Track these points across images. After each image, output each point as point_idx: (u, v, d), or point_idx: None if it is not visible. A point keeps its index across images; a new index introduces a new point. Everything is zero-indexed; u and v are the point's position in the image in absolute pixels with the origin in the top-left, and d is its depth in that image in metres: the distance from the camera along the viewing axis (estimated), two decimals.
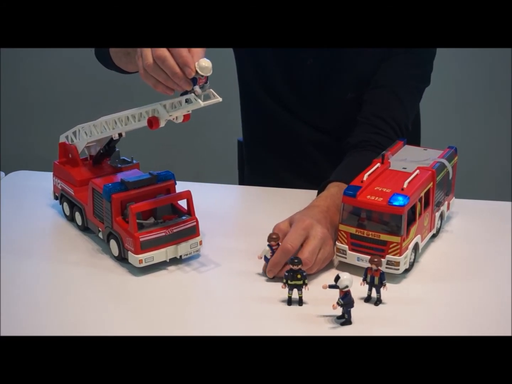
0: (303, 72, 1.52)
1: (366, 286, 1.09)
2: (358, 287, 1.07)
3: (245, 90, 1.66)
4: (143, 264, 1.15)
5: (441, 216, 1.30)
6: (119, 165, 1.33)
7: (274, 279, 1.14)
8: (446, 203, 1.31)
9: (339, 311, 1.03)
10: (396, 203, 1.12)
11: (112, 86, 2.77)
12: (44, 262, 1.22)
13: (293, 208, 1.25)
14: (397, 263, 1.13)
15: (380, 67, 1.47)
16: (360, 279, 1.09)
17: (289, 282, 1.07)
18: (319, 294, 1.06)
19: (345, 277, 1.02)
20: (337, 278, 1.02)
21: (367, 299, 1.09)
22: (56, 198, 1.37)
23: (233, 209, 1.47)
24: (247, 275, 1.17)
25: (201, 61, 1.05)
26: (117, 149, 1.33)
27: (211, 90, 1.09)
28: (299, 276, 1.07)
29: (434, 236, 1.29)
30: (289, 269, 1.07)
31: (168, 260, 1.18)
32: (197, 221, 1.19)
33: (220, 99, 1.09)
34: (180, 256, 1.18)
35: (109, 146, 1.31)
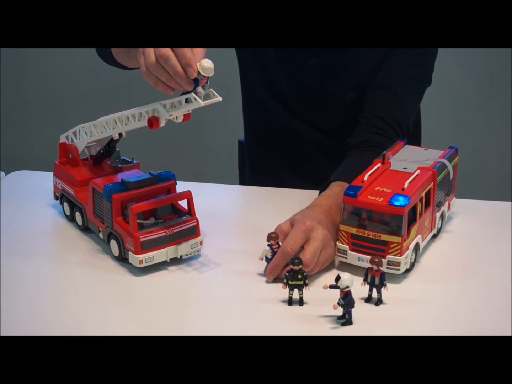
0: (305, 72, 1.52)
1: (367, 286, 1.09)
2: (358, 287, 1.07)
3: (247, 90, 1.66)
4: (144, 264, 1.15)
5: (442, 216, 1.30)
6: (119, 165, 1.33)
7: (274, 279, 1.14)
8: (446, 203, 1.31)
9: (339, 311, 1.03)
10: (396, 203, 1.12)
11: (112, 86, 2.78)
12: (44, 262, 1.22)
13: (294, 208, 1.25)
14: (398, 263, 1.13)
15: (381, 67, 1.47)
16: (361, 279, 1.08)
17: (289, 282, 1.07)
18: (320, 294, 1.05)
19: (346, 277, 1.01)
20: (338, 278, 1.02)
21: (368, 299, 1.09)
22: (56, 198, 1.37)
23: (233, 209, 1.47)
24: (248, 275, 1.16)
25: (203, 62, 1.05)
26: (117, 149, 1.33)
27: (211, 89, 1.09)
28: (299, 276, 1.07)
29: (434, 236, 1.28)
30: (289, 269, 1.07)
31: (168, 260, 1.18)
32: (197, 221, 1.19)
33: (220, 99, 1.09)
34: (181, 256, 1.18)
35: (110, 146, 1.31)
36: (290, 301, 1.08)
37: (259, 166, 1.70)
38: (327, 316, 1.05)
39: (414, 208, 1.16)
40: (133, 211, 1.15)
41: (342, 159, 1.43)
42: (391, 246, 1.12)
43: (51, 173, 1.37)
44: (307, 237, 1.14)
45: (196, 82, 1.06)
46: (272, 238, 1.14)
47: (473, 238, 1.31)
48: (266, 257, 1.15)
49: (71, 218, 1.32)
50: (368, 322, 1.04)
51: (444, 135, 2.51)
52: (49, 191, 1.40)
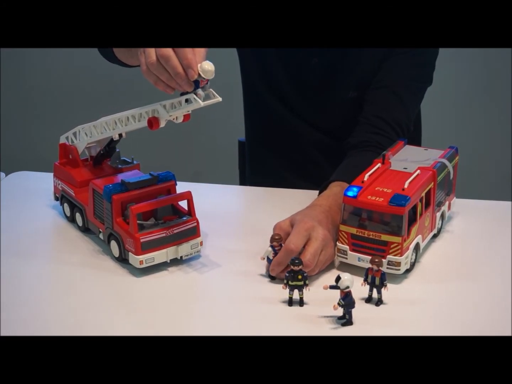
0: (307, 71, 1.52)
1: (367, 287, 1.09)
2: (359, 288, 1.07)
3: (248, 89, 1.66)
4: (144, 265, 1.15)
5: (442, 216, 1.30)
6: (119, 166, 1.33)
7: (275, 279, 1.14)
8: (447, 203, 1.31)
9: (340, 311, 1.03)
10: (397, 203, 1.12)
11: (112, 86, 2.78)
12: (45, 263, 1.22)
13: (294, 208, 1.24)
14: (398, 264, 1.13)
15: (381, 67, 1.47)
16: (361, 279, 1.08)
17: (290, 282, 1.07)
18: (320, 295, 1.05)
19: (346, 277, 1.01)
20: (338, 278, 1.02)
21: (368, 300, 1.09)
22: (56, 199, 1.37)
23: (234, 210, 1.47)
24: (248, 275, 1.16)
25: (204, 64, 1.04)
26: (117, 150, 1.33)
27: (211, 90, 1.09)
28: (300, 276, 1.07)
29: (435, 236, 1.28)
30: (289, 270, 1.07)
31: (168, 261, 1.18)
32: (197, 222, 1.19)
33: (220, 99, 1.09)
34: (181, 257, 1.18)
35: (110, 147, 1.31)
36: (290, 302, 1.08)
37: (259, 166, 1.70)
38: (327, 316, 1.05)
39: (414, 208, 1.16)
40: (133, 212, 1.15)
41: (343, 159, 1.43)
42: (392, 246, 1.12)
43: (51, 174, 1.37)
44: (308, 236, 1.14)
45: (196, 84, 1.06)
46: (276, 239, 1.14)
47: (474, 238, 1.30)
48: (268, 258, 1.15)
49: (71, 219, 1.32)
50: (369, 322, 1.04)
51: (444, 135, 2.50)
52: (49, 192, 1.40)
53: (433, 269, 1.19)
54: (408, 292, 1.13)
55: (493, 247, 1.27)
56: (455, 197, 1.36)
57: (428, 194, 1.20)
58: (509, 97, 2.70)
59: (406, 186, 1.15)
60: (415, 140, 1.59)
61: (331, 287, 1.02)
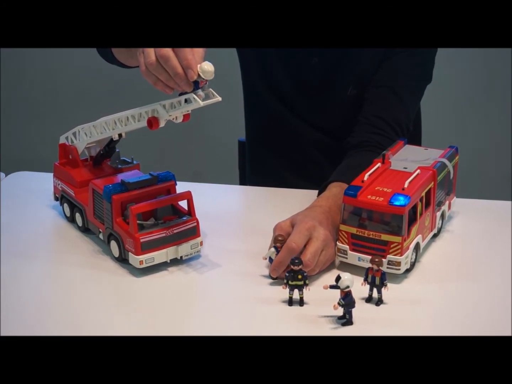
0: (307, 71, 1.52)
1: (367, 286, 1.09)
2: (359, 288, 1.07)
3: (249, 89, 1.66)
4: (144, 265, 1.15)
5: (442, 215, 1.30)
6: (119, 166, 1.33)
7: (275, 279, 1.14)
8: (447, 202, 1.31)
9: (340, 311, 1.03)
10: (397, 203, 1.12)
11: (112, 86, 2.78)
12: (44, 263, 1.22)
13: (294, 208, 1.24)
14: (398, 263, 1.13)
15: (381, 65, 1.47)
16: (361, 279, 1.08)
17: (290, 282, 1.07)
18: (320, 295, 1.05)
19: (346, 277, 1.01)
20: (338, 278, 1.02)
21: (368, 300, 1.09)
22: (56, 199, 1.37)
23: (234, 210, 1.47)
24: (248, 275, 1.16)
25: (204, 65, 1.04)
26: (117, 150, 1.33)
27: (211, 89, 1.09)
28: (300, 276, 1.07)
29: (435, 236, 1.28)
30: (289, 270, 1.07)
31: (168, 261, 1.17)
32: (197, 222, 1.19)
33: (219, 99, 1.09)
34: (181, 257, 1.18)
35: (109, 147, 1.31)
36: (290, 301, 1.08)
37: (259, 166, 1.70)
38: (328, 316, 1.05)
39: (414, 208, 1.16)
40: (133, 212, 1.15)
41: (343, 159, 1.43)
42: (392, 246, 1.12)
43: (51, 174, 1.37)
44: (309, 236, 1.14)
45: (196, 84, 1.06)
46: (279, 240, 1.14)
47: (474, 238, 1.30)
48: (270, 259, 1.15)
49: (71, 219, 1.32)
50: (369, 322, 1.04)
51: (444, 134, 2.50)
52: (49, 192, 1.40)
53: (433, 269, 1.19)
54: (408, 292, 1.13)
55: (493, 247, 1.27)
56: (455, 197, 1.36)
57: (428, 193, 1.20)
58: (509, 97, 2.70)
59: (406, 185, 1.15)
60: (415, 139, 1.59)
61: (331, 286, 1.02)
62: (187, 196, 1.20)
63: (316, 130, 1.58)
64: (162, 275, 1.17)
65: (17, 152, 2.91)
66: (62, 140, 1.34)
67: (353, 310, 1.03)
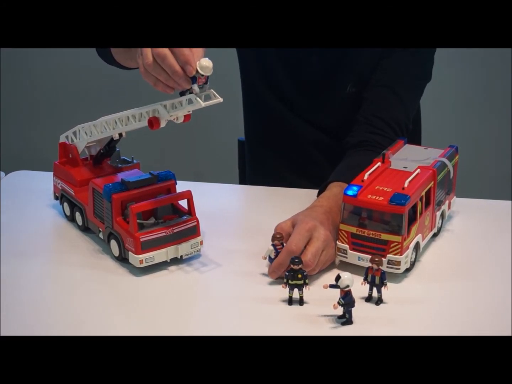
0: (307, 69, 1.52)
1: (367, 286, 1.09)
2: (359, 287, 1.07)
3: (248, 89, 1.66)
4: (144, 265, 1.15)
5: (442, 215, 1.30)
6: (119, 165, 1.33)
7: (276, 278, 1.14)
8: (447, 202, 1.31)
9: (340, 310, 1.03)
10: (397, 203, 1.12)
11: (112, 86, 2.78)
12: (44, 262, 1.22)
13: (294, 207, 1.25)
14: (398, 263, 1.13)
15: (381, 64, 1.47)
16: (361, 278, 1.08)
17: (289, 282, 1.07)
18: (320, 294, 1.06)
19: (346, 276, 1.01)
20: (338, 277, 1.02)
21: (368, 299, 1.09)
22: (56, 198, 1.37)
23: (234, 209, 1.47)
24: (248, 275, 1.16)
25: (202, 61, 1.05)
26: (117, 149, 1.33)
27: (212, 90, 1.09)
28: (299, 276, 1.07)
29: (435, 235, 1.28)
30: (289, 269, 1.07)
31: (168, 260, 1.18)
32: (197, 221, 1.19)
33: (220, 100, 1.09)
34: (181, 256, 1.18)
35: (110, 146, 1.31)
36: (290, 301, 1.08)
37: (259, 165, 1.70)
38: (327, 315, 1.05)
39: (414, 207, 1.16)
40: (133, 211, 1.15)
41: (342, 158, 1.43)
42: (391, 245, 1.12)
43: (51, 173, 1.37)
44: (310, 236, 1.14)
45: (193, 80, 1.06)
46: (277, 238, 1.14)
47: (474, 237, 1.30)
48: (270, 257, 1.15)
49: (71, 218, 1.32)
50: (368, 322, 1.04)
51: (444, 134, 2.50)
52: (49, 191, 1.40)
53: (433, 269, 1.19)
54: (408, 291, 1.13)
55: (493, 246, 1.27)
56: (455, 196, 1.36)
57: (428, 193, 1.20)
58: (509, 97, 2.70)
59: (406, 185, 1.15)
60: (415, 139, 1.59)
61: (331, 286, 1.02)
62: (187, 195, 1.21)
63: (316, 130, 1.58)
64: (162, 275, 1.17)
65: (17, 151, 2.91)
66: (62, 139, 1.34)
67: (353, 310, 1.03)
